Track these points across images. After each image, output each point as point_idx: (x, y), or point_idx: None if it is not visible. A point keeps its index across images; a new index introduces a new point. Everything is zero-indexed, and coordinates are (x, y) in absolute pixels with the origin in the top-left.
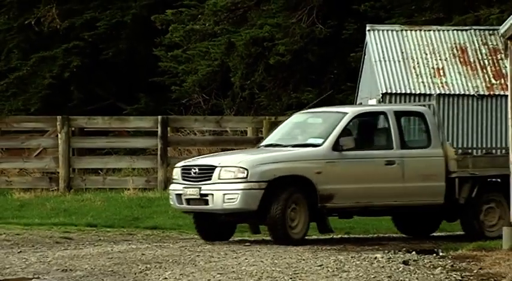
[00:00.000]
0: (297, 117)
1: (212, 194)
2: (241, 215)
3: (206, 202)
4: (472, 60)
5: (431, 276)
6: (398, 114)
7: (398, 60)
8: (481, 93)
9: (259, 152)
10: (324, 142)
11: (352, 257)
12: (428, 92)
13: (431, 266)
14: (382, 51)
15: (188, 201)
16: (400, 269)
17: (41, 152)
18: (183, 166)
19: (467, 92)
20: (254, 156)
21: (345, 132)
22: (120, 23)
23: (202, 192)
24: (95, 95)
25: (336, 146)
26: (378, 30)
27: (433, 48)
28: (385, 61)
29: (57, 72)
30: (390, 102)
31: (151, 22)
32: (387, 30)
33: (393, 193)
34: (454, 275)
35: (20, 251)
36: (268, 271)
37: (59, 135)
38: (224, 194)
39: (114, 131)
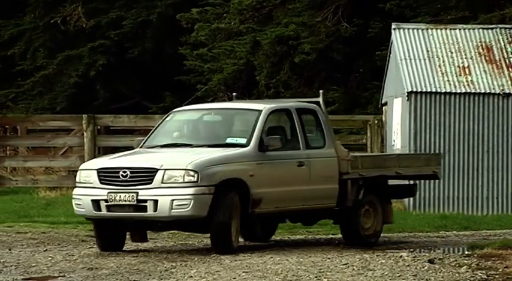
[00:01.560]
0: (183, 115)
1: (155, 200)
2: (189, 222)
3: (143, 209)
4: (497, 58)
5: (457, 275)
6: (299, 112)
7: (423, 59)
8: (507, 91)
9: (197, 153)
10: (248, 142)
11: (377, 255)
12: (454, 91)
13: (457, 265)
14: (408, 50)
15: (109, 208)
16: (426, 267)
17: (67, 150)
18: (102, 169)
19: (492, 91)
20: (199, 157)
21: (265, 131)
22: (145, 21)
23: (140, 198)
24: (121, 94)
25: (261, 147)
26: (404, 29)
27: (458, 46)
28: (410, 60)
29: (83, 71)
30: (416, 101)
31: (176, 21)
32: (413, 29)
33: (304, 196)
34: (480, 274)
35: (46, 250)
36: (294, 270)
37: (84, 134)
38: (173, 200)
39: (140, 130)
